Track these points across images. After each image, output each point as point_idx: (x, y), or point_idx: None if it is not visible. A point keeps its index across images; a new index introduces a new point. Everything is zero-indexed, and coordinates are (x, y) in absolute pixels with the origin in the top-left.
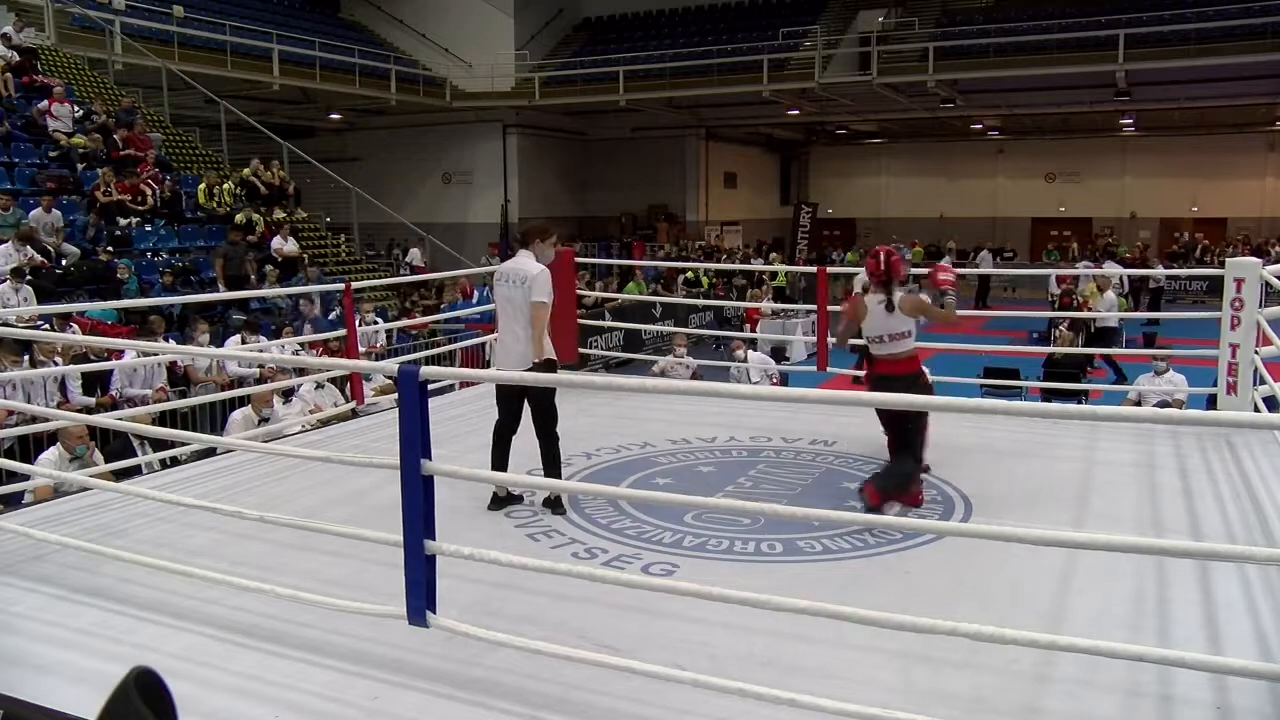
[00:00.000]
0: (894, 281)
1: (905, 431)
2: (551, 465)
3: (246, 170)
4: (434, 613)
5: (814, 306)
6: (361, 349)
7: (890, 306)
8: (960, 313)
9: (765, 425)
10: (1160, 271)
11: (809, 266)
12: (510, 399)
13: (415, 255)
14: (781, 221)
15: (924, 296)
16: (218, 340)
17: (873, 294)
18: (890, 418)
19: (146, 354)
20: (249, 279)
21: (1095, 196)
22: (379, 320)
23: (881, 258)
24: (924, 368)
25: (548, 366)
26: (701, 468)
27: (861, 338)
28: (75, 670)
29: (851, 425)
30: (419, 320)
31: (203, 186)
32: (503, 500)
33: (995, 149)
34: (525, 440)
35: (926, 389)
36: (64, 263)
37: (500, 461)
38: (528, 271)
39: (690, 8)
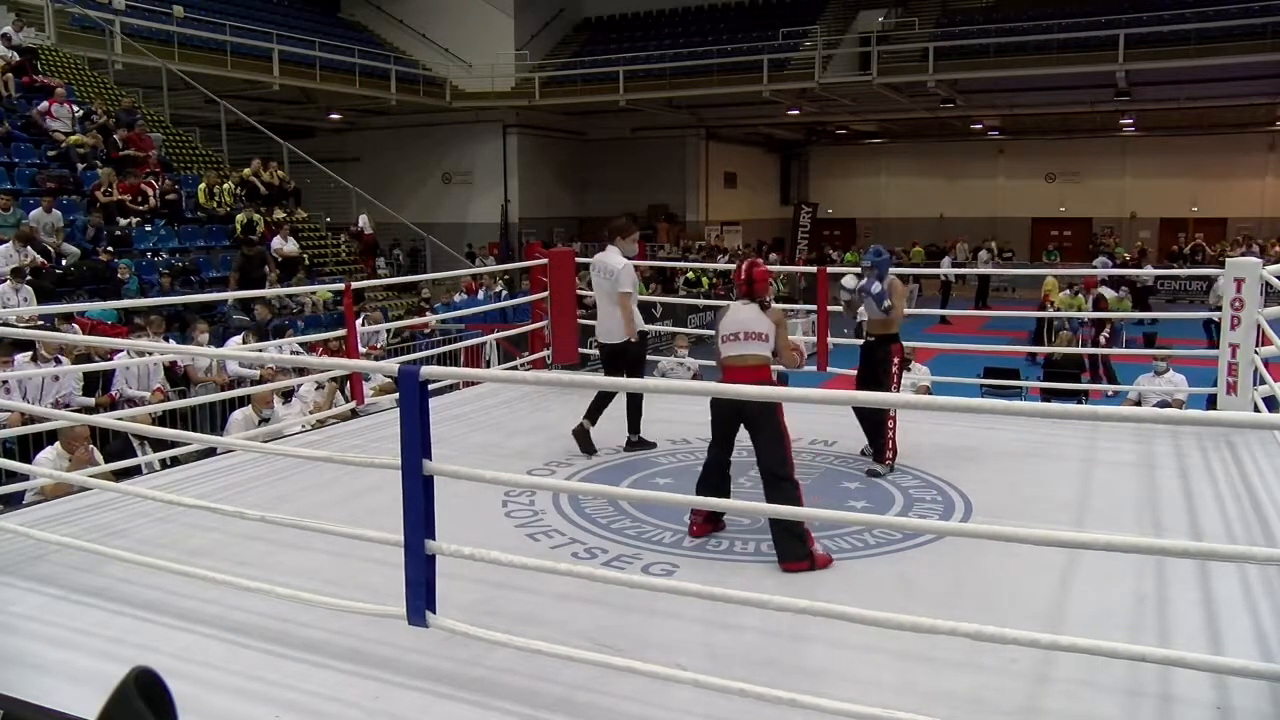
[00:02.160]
0: (756, 295)
1: (768, 447)
2: (632, 410)
3: (247, 170)
4: (434, 613)
5: (814, 306)
6: (361, 349)
7: (761, 308)
8: (960, 313)
9: None
10: (1151, 271)
11: (809, 266)
12: (608, 363)
13: (364, 221)
14: (781, 221)
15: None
16: (218, 340)
17: (738, 301)
18: (726, 429)
19: (142, 353)
20: (264, 284)
21: (1095, 196)
22: (381, 319)
23: (743, 268)
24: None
25: (628, 343)
26: (702, 468)
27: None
28: (75, 670)
29: (851, 425)
30: (419, 320)
31: (203, 186)
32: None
33: (995, 149)
34: (527, 439)
35: (774, 412)
36: (64, 263)
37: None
38: (614, 266)
39: (690, 8)
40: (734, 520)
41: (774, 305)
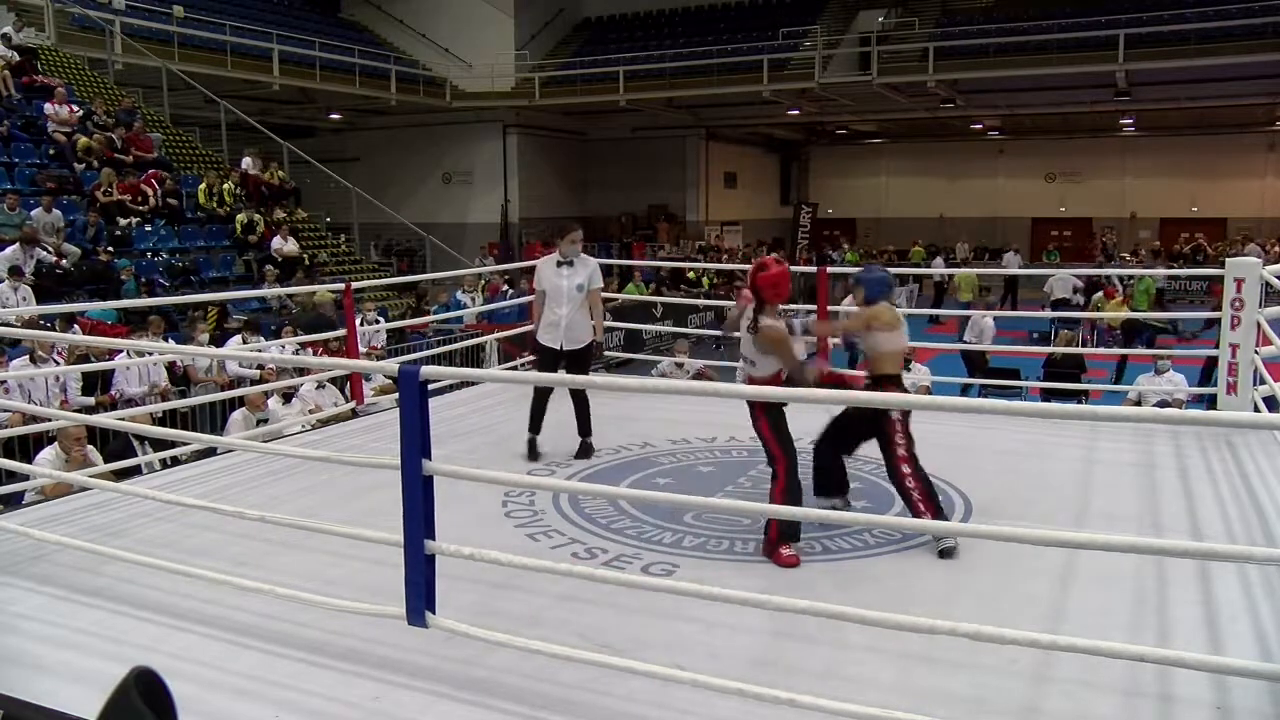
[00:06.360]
0: (764, 302)
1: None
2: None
3: (246, 163)
4: (434, 613)
5: (814, 306)
6: (362, 349)
7: (753, 328)
8: (960, 313)
9: None
10: (1161, 272)
11: (809, 266)
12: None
13: (247, 163)
14: (781, 221)
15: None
16: (218, 340)
17: (751, 306)
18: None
19: (142, 353)
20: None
21: (1095, 196)
22: (380, 320)
23: (752, 268)
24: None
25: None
26: (701, 468)
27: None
28: (75, 670)
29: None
30: (419, 320)
31: (203, 186)
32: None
33: (995, 149)
34: (527, 439)
35: (780, 444)
36: (64, 263)
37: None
38: None
39: (690, 8)
40: (734, 520)
41: (772, 322)
